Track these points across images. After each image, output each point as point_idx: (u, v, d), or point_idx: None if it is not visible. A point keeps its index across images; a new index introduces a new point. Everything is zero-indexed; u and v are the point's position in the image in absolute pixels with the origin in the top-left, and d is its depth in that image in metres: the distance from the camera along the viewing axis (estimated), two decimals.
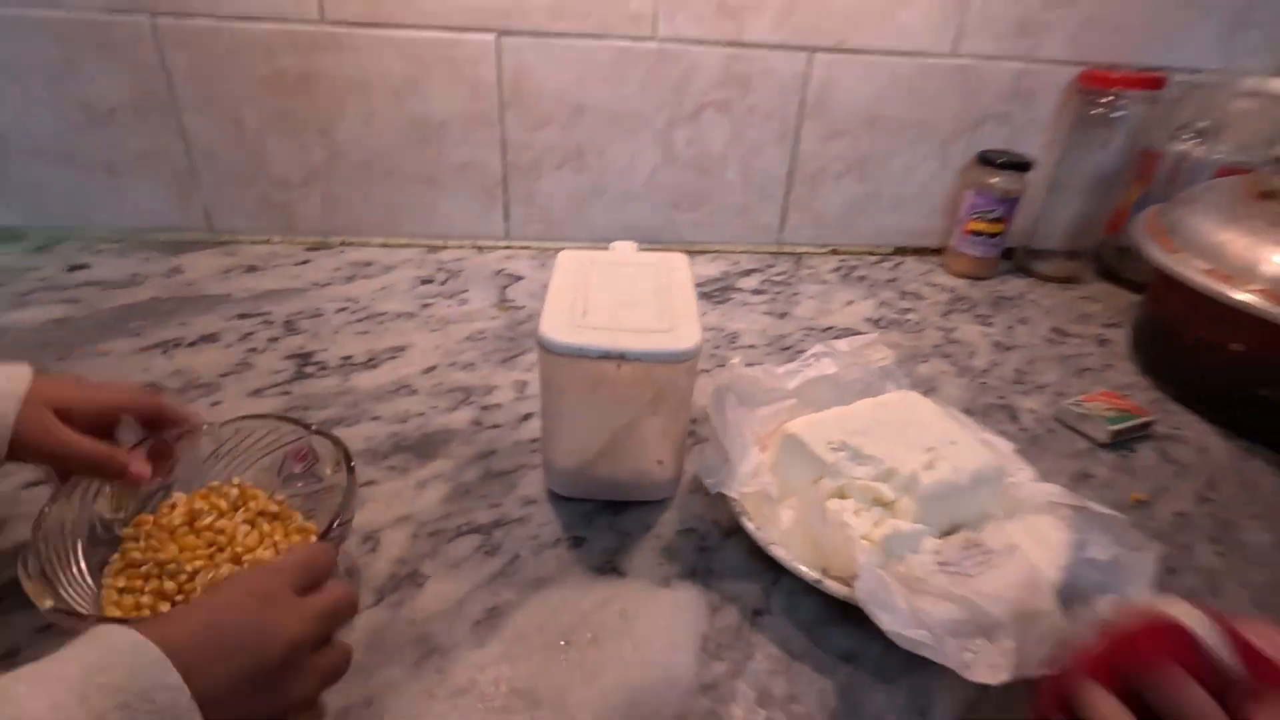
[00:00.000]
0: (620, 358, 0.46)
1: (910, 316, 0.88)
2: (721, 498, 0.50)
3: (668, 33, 0.87)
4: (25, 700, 0.24)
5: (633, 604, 0.46)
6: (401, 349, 0.74)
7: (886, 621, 0.39)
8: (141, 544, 0.43)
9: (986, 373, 0.77)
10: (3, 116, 0.84)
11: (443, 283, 0.88)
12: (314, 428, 0.48)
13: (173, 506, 0.45)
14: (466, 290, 0.86)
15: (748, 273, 0.97)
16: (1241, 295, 0.63)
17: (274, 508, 0.46)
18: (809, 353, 0.61)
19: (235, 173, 0.90)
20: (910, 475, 0.47)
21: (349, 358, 0.71)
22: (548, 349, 0.46)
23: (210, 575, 0.41)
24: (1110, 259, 1.02)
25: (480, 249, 0.98)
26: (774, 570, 0.48)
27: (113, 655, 0.27)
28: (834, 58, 0.91)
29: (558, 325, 0.47)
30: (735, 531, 0.52)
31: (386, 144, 0.90)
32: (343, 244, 0.96)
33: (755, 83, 0.92)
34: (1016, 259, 1.04)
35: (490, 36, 0.85)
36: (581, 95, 0.90)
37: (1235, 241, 0.67)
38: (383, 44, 0.84)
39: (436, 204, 0.95)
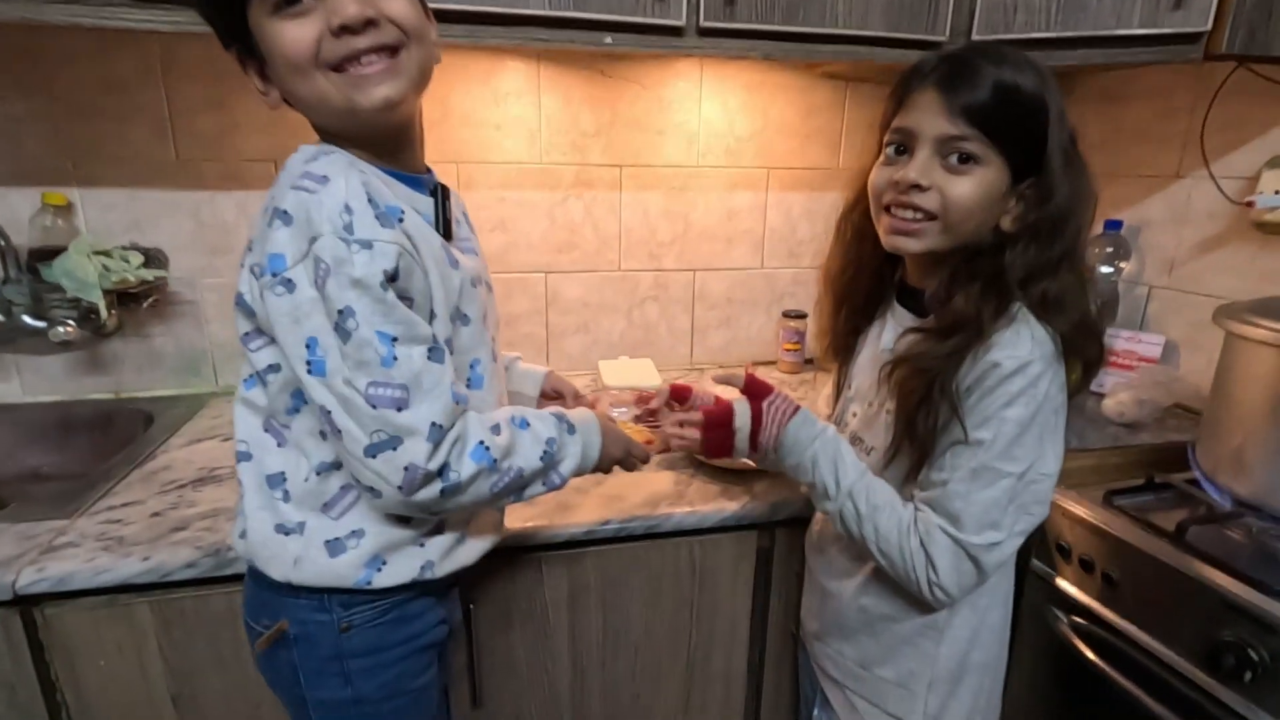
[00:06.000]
0: None
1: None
2: None
3: (626, 268, 1.81)
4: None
5: None
6: None
7: None
8: None
9: None
10: None
11: None
12: None
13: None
14: None
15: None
16: None
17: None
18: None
19: None
20: None
21: None
22: None
23: None
24: None
25: None
26: None
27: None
28: (706, 272, 1.87)
29: None
30: None
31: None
32: None
33: (670, 286, 1.86)
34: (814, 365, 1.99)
35: (542, 275, 1.76)
36: (587, 297, 1.81)
37: None
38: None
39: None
